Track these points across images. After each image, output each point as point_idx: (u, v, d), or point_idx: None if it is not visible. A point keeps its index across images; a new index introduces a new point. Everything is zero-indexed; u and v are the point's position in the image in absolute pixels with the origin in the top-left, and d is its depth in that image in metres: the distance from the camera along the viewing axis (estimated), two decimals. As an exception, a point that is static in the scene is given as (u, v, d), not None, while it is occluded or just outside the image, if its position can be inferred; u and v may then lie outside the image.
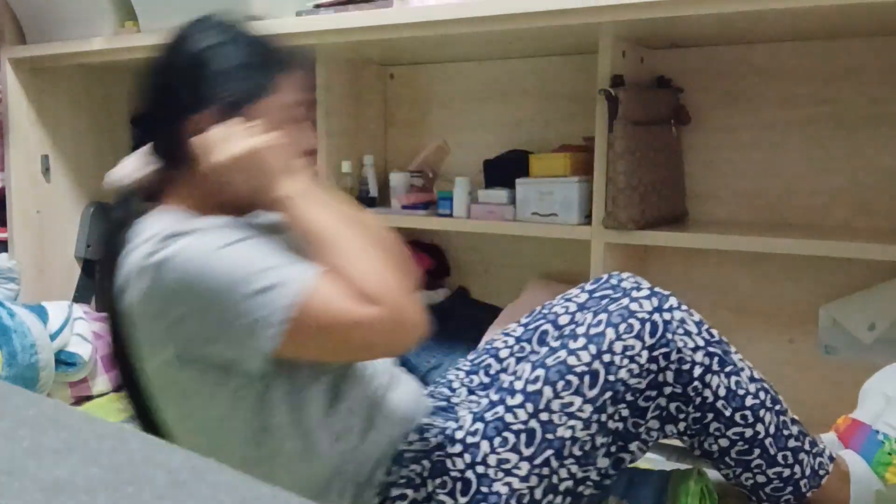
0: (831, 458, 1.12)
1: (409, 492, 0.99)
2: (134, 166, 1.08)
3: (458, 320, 1.96)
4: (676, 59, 1.79)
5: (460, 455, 0.99)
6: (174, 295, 0.89)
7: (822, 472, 1.10)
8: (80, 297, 2.36)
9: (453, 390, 1.21)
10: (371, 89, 2.14)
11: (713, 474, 1.20)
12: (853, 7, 1.28)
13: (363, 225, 1.01)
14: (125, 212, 1.02)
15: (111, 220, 1.04)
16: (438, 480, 0.99)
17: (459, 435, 1.01)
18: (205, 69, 0.98)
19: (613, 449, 1.05)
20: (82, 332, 1.84)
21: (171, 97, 1.00)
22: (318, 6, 1.75)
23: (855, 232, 1.57)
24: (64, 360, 1.76)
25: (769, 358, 1.75)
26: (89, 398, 1.82)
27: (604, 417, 1.00)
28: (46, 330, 1.76)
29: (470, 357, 1.25)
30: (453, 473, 0.98)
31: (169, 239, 0.90)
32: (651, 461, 1.32)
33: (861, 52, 1.61)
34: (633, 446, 1.07)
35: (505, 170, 1.82)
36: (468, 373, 1.23)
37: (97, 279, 2.37)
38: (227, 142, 0.94)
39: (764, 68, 1.71)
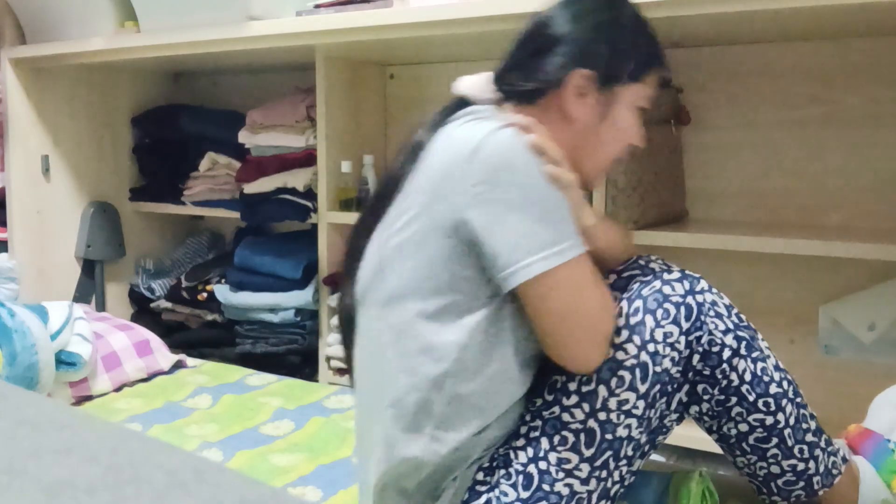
0: (845, 460, 1.11)
1: (487, 478, 1.00)
2: (480, 85, 1.13)
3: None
4: (676, 59, 1.79)
5: (523, 448, 0.99)
6: (494, 170, 0.93)
7: (835, 472, 1.09)
8: (80, 297, 2.36)
9: None
10: (371, 89, 2.15)
11: (714, 475, 1.20)
12: (852, 7, 1.28)
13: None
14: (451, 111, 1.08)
15: (434, 115, 1.10)
16: (503, 471, 0.99)
17: (523, 430, 1.01)
18: (603, 31, 1.04)
19: (647, 448, 1.05)
20: (82, 332, 1.84)
21: (564, 45, 1.04)
22: (318, 6, 1.75)
23: (855, 232, 1.57)
24: (64, 360, 1.76)
25: (769, 358, 1.75)
26: (89, 398, 1.82)
27: (652, 413, 1.00)
28: (47, 330, 1.76)
29: None
30: (517, 466, 0.99)
31: (505, 129, 0.96)
32: (652, 462, 1.32)
33: (860, 52, 1.61)
34: (659, 439, 1.07)
35: (505, 170, 1.82)
36: None
37: (80, 276, 2.37)
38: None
39: (764, 68, 1.71)
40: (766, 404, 1.04)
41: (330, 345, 2.02)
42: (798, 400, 1.07)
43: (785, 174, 1.71)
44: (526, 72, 1.07)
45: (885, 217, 1.62)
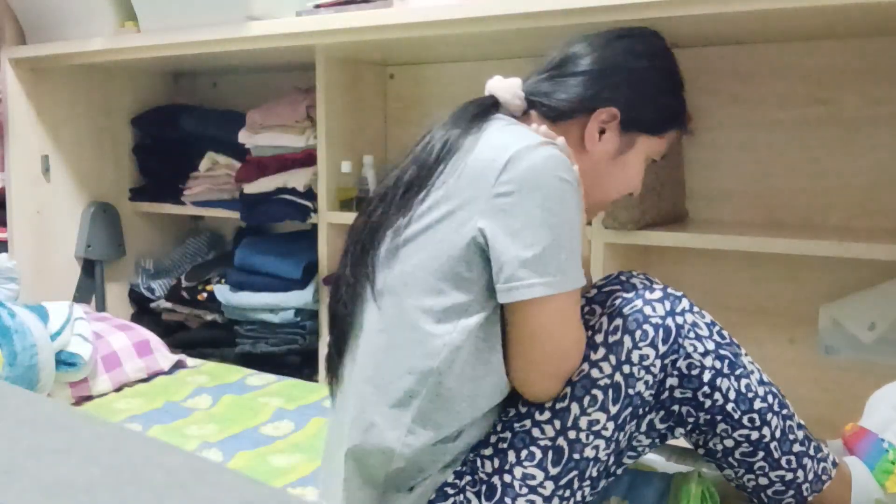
0: (834, 464, 1.11)
1: (457, 481, 1.00)
2: (511, 90, 1.14)
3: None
4: (676, 59, 1.79)
5: (490, 458, 1.00)
6: (523, 184, 0.94)
7: (824, 477, 1.10)
8: (80, 297, 2.36)
9: None
10: (371, 89, 2.14)
11: (715, 475, 1.20)
12: (852, 7, 1.28)
13: None
14: (484, 110, 1.10)
15: (465, 110, 1.12)
16: (469, 478, 1.00)
17: (493, 438, 1.01)
18: (653, 75, 1.10)
19: (613, 469, 1.05)
20: (83, 333, 1.84)
21: (607, 77, 1.08)
22: (318, 6, 1.75)
23: (855, 232, 1.57)
24: (64, 361, 1.76)
25: (769, 358, 1.75)
26: (89, 398, 1.82)
27: (621, 436, 1.01)
28: (47, 330, 1.76)
29: None
30: (481, 474, 0.99)
31: (546, 147, 0.97)
32: (652, 462, 1.32)
33: (860, 52, 1.61)
34: (626, 460, 1.08)
35: (505, 170, 1.82)
36: None
37: (80, 277, 2.37)
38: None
39: (763, 68, 1.71)
40: (752, 420, 1.05)
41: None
42: (784, 412, 1.07)
43: (785, 174, 1.71)
44: (559, 92, 1.10)
45: (885, 217, 1.62)
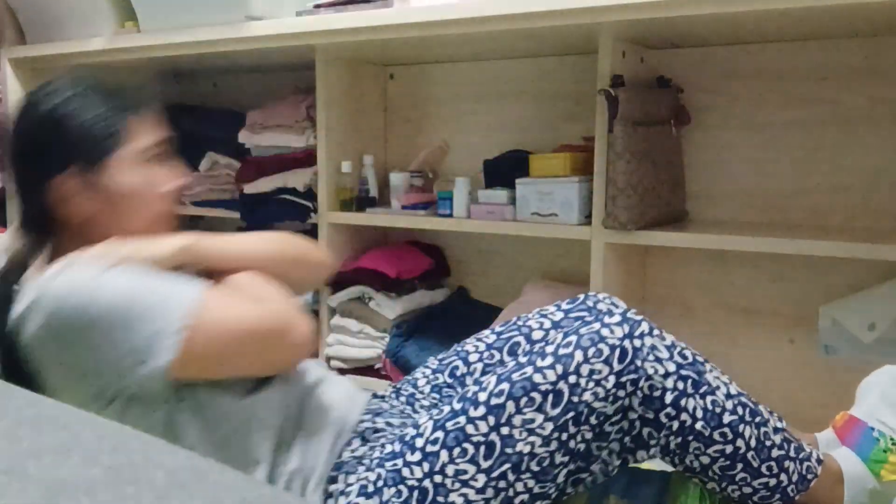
0: (819, 461, 1.11)
1: (362, 500, 0.98)
2: (7, 242, 1.08)
3: (458, 320, 1.96)
4: (676, 59, 1.79)
5: (419, 464, 0.99)
6: (65, 330, 0.89)
7: (809, 476, 1.10)
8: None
9: (417, 387, 1.21)
10: (371, 89, 2.15)
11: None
12: (852, 7, 1.28)
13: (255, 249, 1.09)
14: (5, 289, 1.01)
15: None
16: (394, 489, 0.98)
17: (419, 443, 1.00)
18: (56, 129, 1.00)
19: (573, 468, 1.05)
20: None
21: (29, 164, 1.01)
22: (318, 6, 1.75)
23: (855, 232, 1.57)
24: (64, 361, 1.76)
25: (769, 358, 1.75)
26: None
27: (564, 437, 1.00)
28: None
29: (440, 356, 1.26)
30: (410, 482, 0.98)
31: (46, 281, 0.92)
32: (652, 462, 1.32)
33: (861, 52, 1.61)
34: (595, 468, 1.07)
35: (505, 170, 1.82)
36: (434, 371, 1.23)
37: None
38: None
39: (764, 68, 1.71)
40: (723, 434, 1.04)
41: (330, 345, 2.02)
42: (756, 419, 1.07)
43: (785, 174, 1.71)
44: (24, 208, 1.05)
45: (885, 217, 1.62)
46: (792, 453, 1.09)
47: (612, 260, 1.65)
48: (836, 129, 1.66)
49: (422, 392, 1.20)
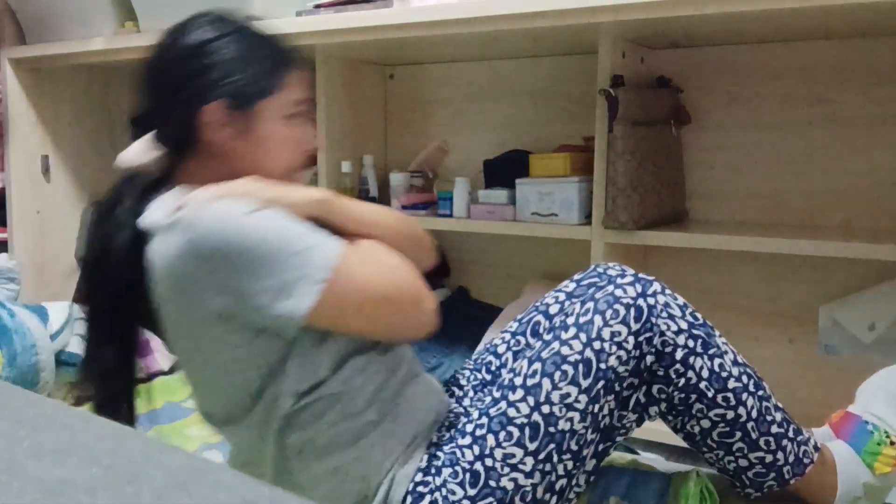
0: (816, 448, 1.12)
1: (430, 478, 1.01)
2: (141, 151, 1.10)
3: (458, 320, 1.96)
4: (676, 59, 1.79)
5: (469, 447, 1.01)
6: (211, 255, 0.91)
7: (806, 461, 1.10)
8: (80, 297, 2.36)
9: (462, 389, 1.23)
10: (371, 89, 2.15)
11: (713, 474, 1.20)
12: (852, 7, 1.28)
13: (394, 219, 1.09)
14: (130, 192, 1.05)
15: (110, 201, 1.06)
16: (450, 470, 1.01)
17: (469, 427, 1.03)
18: (213, 60, 1.02)
19: (600, 448, 1.06)
20: (83, 333, 1.84)
21: (180, 88, 1.02)
22: (318, 6, 1.75)
23: (855, 232, 1.57)
24: (64, 361, 1.76)
25: (769, 358, 1.75)
26: (90, 398, 1.82)
27: (596, 409, 1.02)
28: (47, 330, 1.76)
29: (473, 357, 1.28)
30: (463, 464, 1.01)
31: (197, 204, 0.93)
32: (652, 462, 1.32)
33: (861, 52, 1.61)
34: (617, 437, 1.09)
35: (505, 170, 1.82)
36: (472, 370, 1.26)
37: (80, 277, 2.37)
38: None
39: (764, 68, 1.71)
40: (726, 399, 1.06)
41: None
42: (760, 393, 1.08)
43: (785, 174, 1.71)
44: (164, 130, 1.06)
45: (885, 217, 1.62)
46: (791, 434, 1.10)
47: (612, 260, 1.65)
48: (835, 129, 1.66)
49: (466, 395, 1.22)
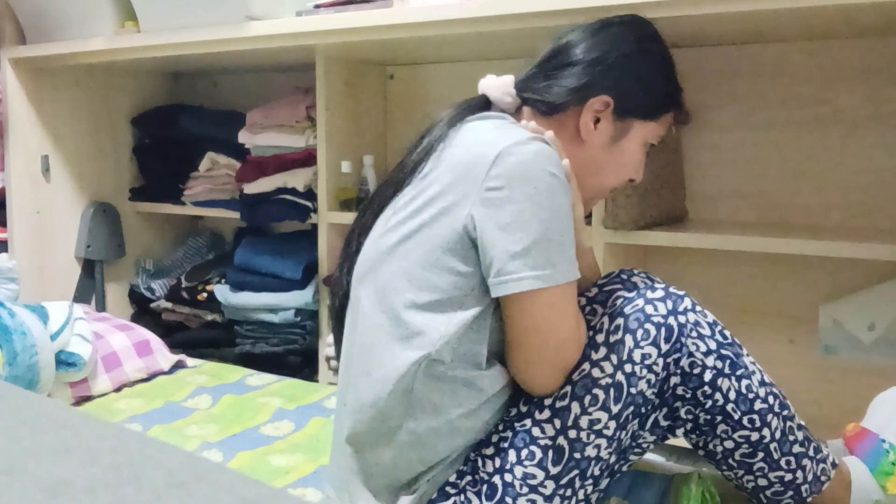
0: (834, 465, 1.11)
1: (458, 480, 1.01)
2: (503, 87, 1.14)
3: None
4: (676, 59, 1.79)
5: (491, 458, 1.00)
6: (513, 178, 0.94)
7: (823, 479, 1.10)
8: (80, 297, 2.36)
9: None
10: (371, 89, 2.14)
11: (715, 475, 1.20)
12: (853, 7, 1.28)
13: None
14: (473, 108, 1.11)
15: (457, 110, 1.12)
16: (470, 478, 1.00)
17: (494, 438, 1.01)
18: (639, 63, 1.09)
19: (617, 468, 1.06)
20: (82, 333, 1.84)
21: (599, 68, 1.07)
22: (318, 6, 1.75)
23: (855, 232, 1.57)
24: (64, 361, 1.76)
25: (769, 358, 1.75)
26: (89, 398, 1.82)
27: (623, 435, 1.01)
28: (47, 330, 1.76)
29: None
30: (482, 474, 0.99)
31: (535, 143, 0.97)
32: (652, 463, 1.32)
33: (861, 52, 1.61)
34: (631, 457, 1.08)
35: (505, 170, 1.82)
36: None
37: (80, 277, 2.37)
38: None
39: (764, 68, 1.71)
40: (752, 421, 1.05)
41: (330, 345, 2.02)
42: (784, 413, 1.07)
43: (785, 174, 1.71)
44: (550, 86, 1.09)
45: (885, 217, 1.62)
46: (811, 452, 1.09)
47: (612, 260, 1.65)
48: (835, 128, 1.66)
49: None
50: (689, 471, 1.20)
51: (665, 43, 1.13)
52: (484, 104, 1.12)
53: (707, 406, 1.04)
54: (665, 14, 1.35)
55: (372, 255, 1.04)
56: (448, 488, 1.00)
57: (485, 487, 0.98)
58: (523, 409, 1.01)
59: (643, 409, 1.02)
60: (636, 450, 1.07)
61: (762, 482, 1.08)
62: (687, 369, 1.02)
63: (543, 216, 0.94)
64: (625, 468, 1.09)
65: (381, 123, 2.20)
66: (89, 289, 2.40)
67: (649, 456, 1.31)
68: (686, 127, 1.79)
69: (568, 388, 0.99)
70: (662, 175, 1.68)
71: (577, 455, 0.98)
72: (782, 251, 1.48)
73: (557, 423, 0.98)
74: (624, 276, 1.13)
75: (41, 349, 1.70)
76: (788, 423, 1.07)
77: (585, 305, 1.17)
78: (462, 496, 0.99)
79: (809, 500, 1.09)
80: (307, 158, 2.03)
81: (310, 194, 2.03)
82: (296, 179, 2.03)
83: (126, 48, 1.99)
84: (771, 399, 1.06)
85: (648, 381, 1.00)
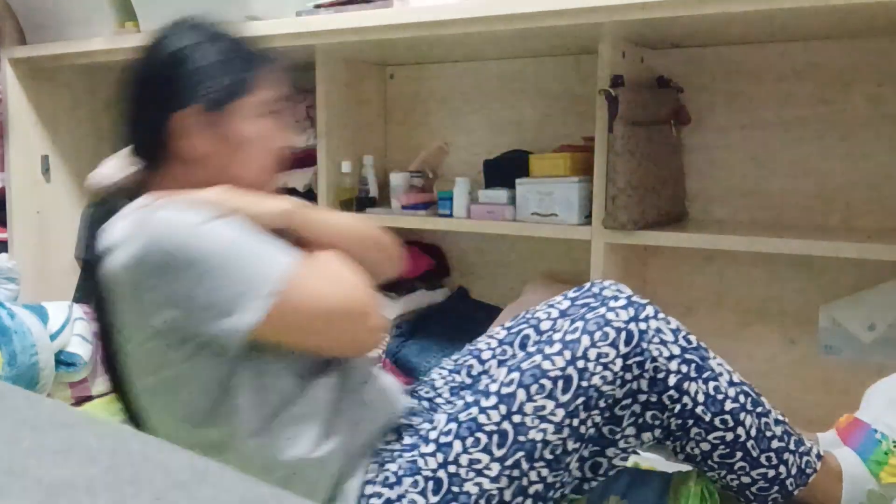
0: (819, 457, 1.12)
1: (385, 490, 0.99)
2: (114, 168, 1.09)
3: (458, 320, 1.96)
4: (676, 59, 1.79)
5: (433, 455, 1.00)
6: (158, 265, 0.90)
7: (808, 471, 1.10)
8: (80, 297, 2.36)
9: (436, 389, 1.22)
10: (371, 89, 2.14)
11: (713, 474, 1.20)
12: (853, 7, 1.28)
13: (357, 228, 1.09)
14: (107, 211, 1.02)
15: (92, 219, 1.05)
16: (411, 480, 0.99)
17: (433, 435, 1.01)
18: (184, 67, 1.02)
19: (586, 454, 1.06)
20: (82, 333, 1.84)
21: (152, 96, 1.03)
22: (318, 6, 1.75)
23: (855, 232, 1.57)
24: (64, 361, 1.76)
25: (769, 358, 1.75)
26: (89, 398, 1.82)
27: (576, 422, 1.01)
28: (46, 330, 1.76)
29: (454, 357, 1.27)
30: (425, 473, 0.99)
31: (151, 212, 0.92)
32: (652, 462, 1.32)
33: (861, 52, 1.61)
34: (610, 452, 1.08)
35: (505, 170, 1.82)
36: (451, 371, 1.25)
37: (80, 277, 2.37)
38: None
39: (764, 68, 1.71)
40: (724, 421, 1.06)
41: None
42: (759, 410, 1.08)
43: (785, 174, 1.71)
44: (141, 141, 1.06)
45: (886, 217, 1.62)
46: (792, 446, 1.10)
47: (613, 260, 1.65)
48: (835, 129, 1.66)
49: (440, 394, 1.21)
50: (688, 469, 1.21)
51: (206, 28, 1.07)
52: (106, 202, 1.07)
53: (676, 410, 1.05)
54: (665, 14, 1.35)
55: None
56: (373, 500, 0.99)
57: (430, 484, 0.98)
58: (470, 399, 1.02)
59: (603, 402, 1.02)
60: (618, 443, 1.07)
61: (745, 480, 1.09)
62: (653, 374, 1.03)
63: (210, 265, 0.91)
64: (606, 464, 1.08)
65: (381, 123, 2.20)
66: (89, 289, 2.39)
67: (649, 456, 1.31)
68: (686, 127, 1.79)
69: (516, 376, 1.00)
70: (662, 175, 1.68)
71: (522, 438, 0.99)
72: (782, 251, 1.48)
73: (503, 408, 0.99)
74: (595, 290, 1.16)
75: (41, 349, 1.70)
76: (764, 420, 1.08)
77: (557, 318, 1.18)
78: (403, 501, 0.98)
79: (796, 493, 1.10)
80: (307, 158, 2.03)
81: (310, 194, 2.03)
82: (296, 179, 2.03)
83: (126, 48, 1.98)
84: (742, 398, 1.07)
85: (604, 378, 1.01)
